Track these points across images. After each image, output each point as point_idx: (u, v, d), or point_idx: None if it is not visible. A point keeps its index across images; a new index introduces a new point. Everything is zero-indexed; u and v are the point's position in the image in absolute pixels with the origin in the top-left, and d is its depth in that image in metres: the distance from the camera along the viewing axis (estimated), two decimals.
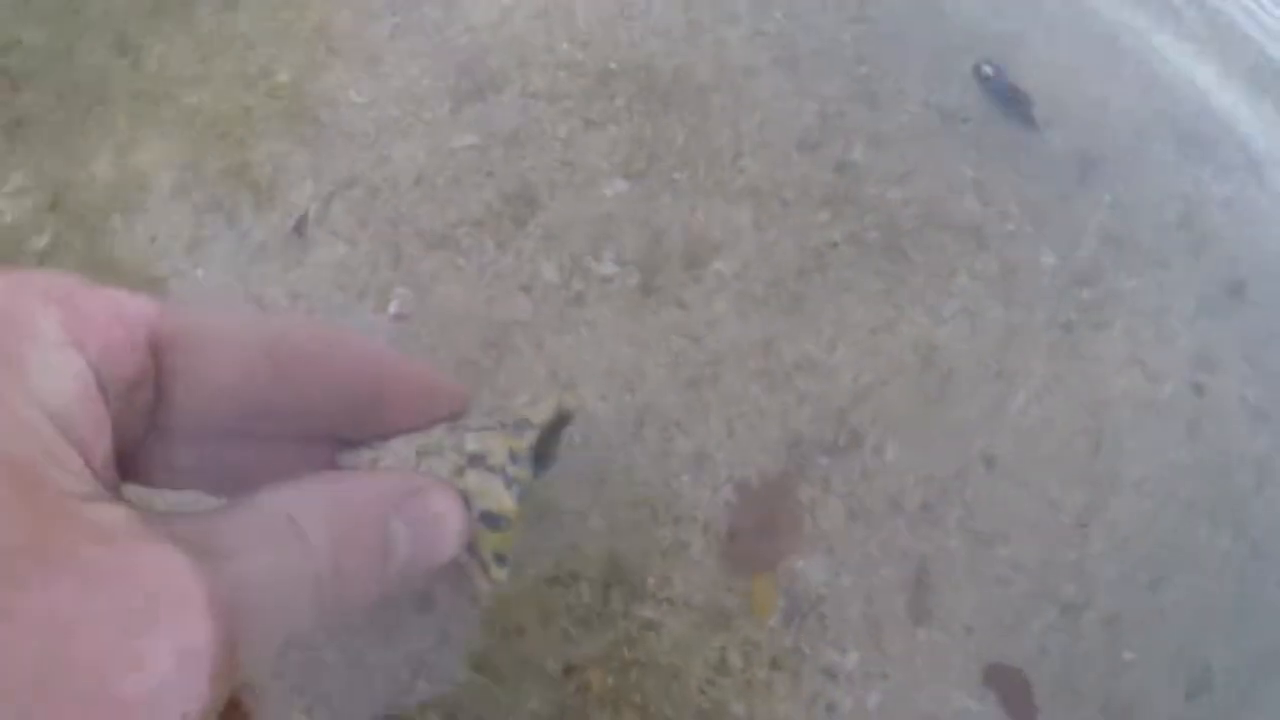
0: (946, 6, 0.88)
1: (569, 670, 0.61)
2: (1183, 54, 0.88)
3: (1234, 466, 0.70)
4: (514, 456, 0.33)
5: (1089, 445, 0.70)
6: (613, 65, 0.82)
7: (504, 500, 0.33)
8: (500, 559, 0.33)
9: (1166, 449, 0.70)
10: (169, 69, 0.81)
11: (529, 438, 0.34)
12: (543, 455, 0.37)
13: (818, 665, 0.62)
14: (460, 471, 0.33)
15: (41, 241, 0.74)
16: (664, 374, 0.69)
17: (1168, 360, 0.74)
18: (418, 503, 0.30)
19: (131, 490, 0.28)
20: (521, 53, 0.83)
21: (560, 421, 0.37)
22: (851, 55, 0.84)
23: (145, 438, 0.29)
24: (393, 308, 0.71)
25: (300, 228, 0.74)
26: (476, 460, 0.33)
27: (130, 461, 0.29)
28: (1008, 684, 0.62)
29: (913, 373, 0.71)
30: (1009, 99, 0.82)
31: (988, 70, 0.82)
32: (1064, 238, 0.78)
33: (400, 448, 0.34)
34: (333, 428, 0.33)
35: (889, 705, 0.61)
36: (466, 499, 0.33)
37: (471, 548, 0.33)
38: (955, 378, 0.71)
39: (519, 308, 0.71)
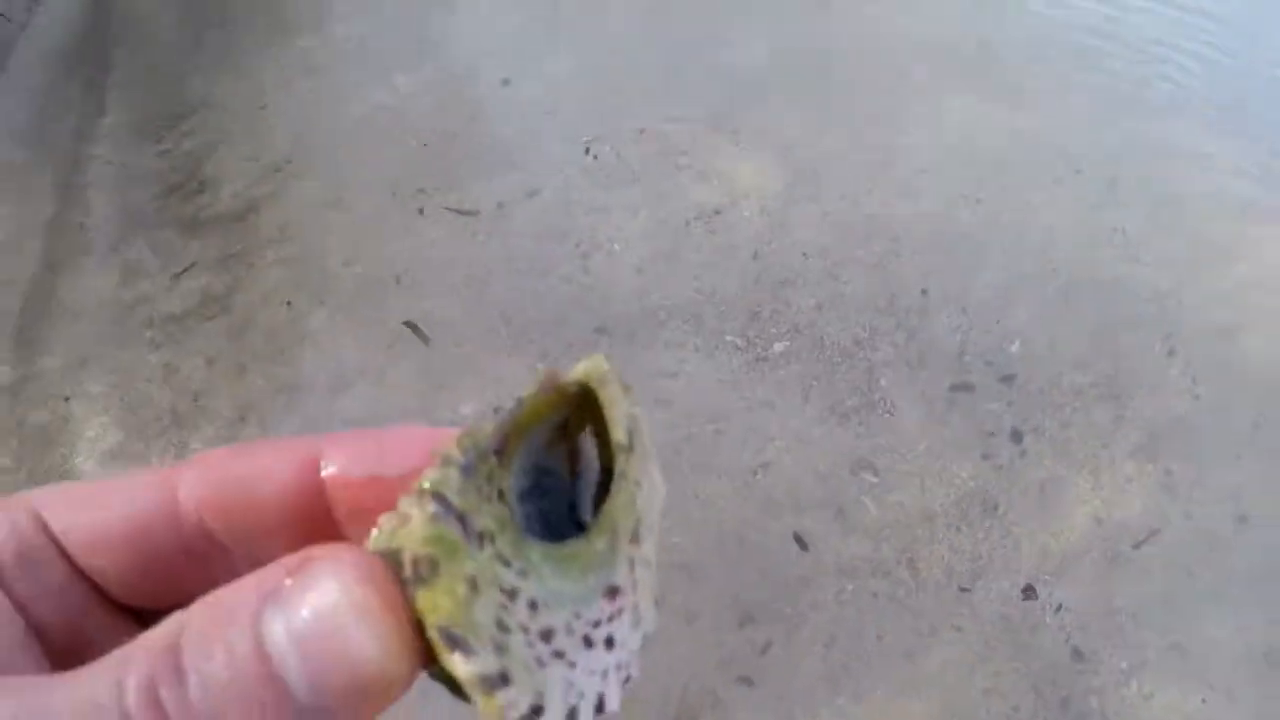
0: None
1: None
2: None
3: None
4: (446, 459, 0.22)
5: None
6: None
7: (412, 527, 0.21)
8: (453, 640, 0.20)
9: None
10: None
11: (492, 425, 0.22)
12: (550, 461, 0.24)
13: None
14: (405, 521, 0.21)
15: None
16: None
17: None
18: (298, 582, 0.20)
19: None
20: None
21: (566, 406, 0.24)
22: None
23: (99, 614, 0.26)
24: None
25: None
26: (416, 491, 0.22)
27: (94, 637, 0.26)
28: None
29: None
30: None
31: None
32: None
33: None
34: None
35: None
36: (397, 559, 0.21)
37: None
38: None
39: None
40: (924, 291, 2.30)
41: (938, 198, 2.58)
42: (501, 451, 0.22)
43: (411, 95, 3.11)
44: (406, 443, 0.25)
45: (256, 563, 0.23)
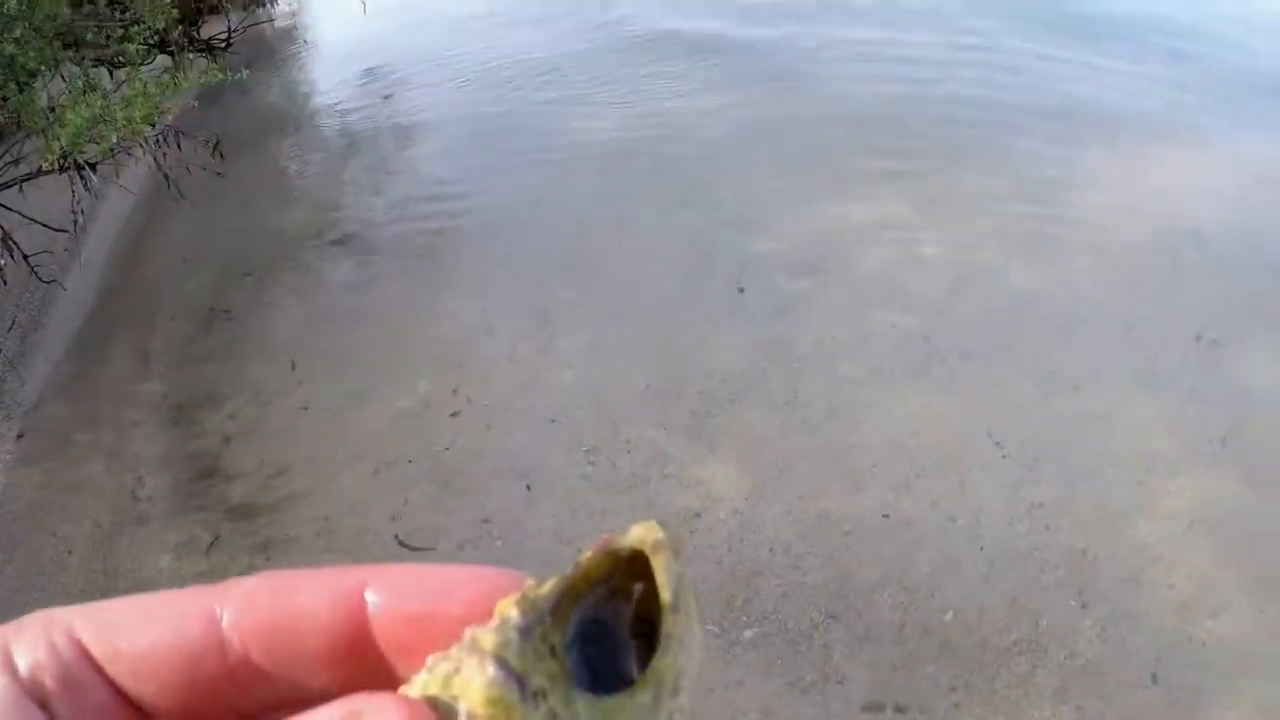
0: None
1: None
2: None
3: None
4: (504, 621, 0.23)
5: None
6: None
7: (472, 686, 0.22)
8: None
9: None
10: None
11: (549, 585, 0.24)
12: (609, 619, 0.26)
13: None
14: (457, 668, 0.23)
15: None
16: None
17: None
18: None
19: None
20: None
21: (618, 568, 0.26)
22: None
23: None
24: None
25: None
26: (470, 647, 0.23)
27: None
28: None
29: None
30: None
31: None
32: None
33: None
34: (337, 686, 0.26)
35: None
36: (451, 710, 0.23)
37: None
38: None
39: None
40: (870, 576, 2.78)
41: (883, 489, 3.10)
42: (555, 611, 0.24)
43: (419, 403, 3.73)
44: (452, 580, 0.26)
45: (299, 689, 0.26)
